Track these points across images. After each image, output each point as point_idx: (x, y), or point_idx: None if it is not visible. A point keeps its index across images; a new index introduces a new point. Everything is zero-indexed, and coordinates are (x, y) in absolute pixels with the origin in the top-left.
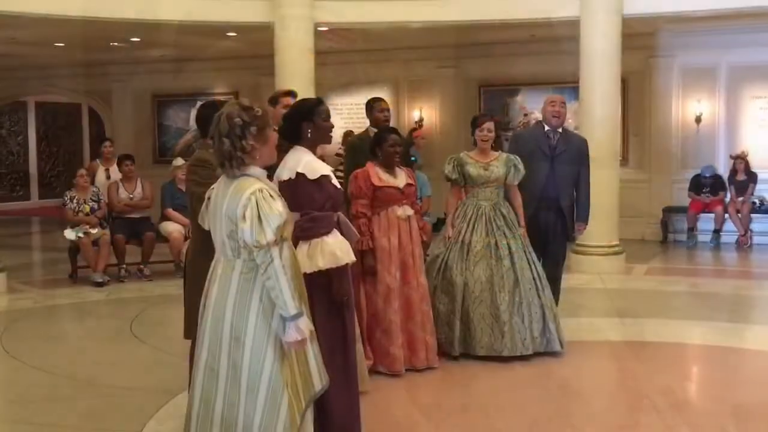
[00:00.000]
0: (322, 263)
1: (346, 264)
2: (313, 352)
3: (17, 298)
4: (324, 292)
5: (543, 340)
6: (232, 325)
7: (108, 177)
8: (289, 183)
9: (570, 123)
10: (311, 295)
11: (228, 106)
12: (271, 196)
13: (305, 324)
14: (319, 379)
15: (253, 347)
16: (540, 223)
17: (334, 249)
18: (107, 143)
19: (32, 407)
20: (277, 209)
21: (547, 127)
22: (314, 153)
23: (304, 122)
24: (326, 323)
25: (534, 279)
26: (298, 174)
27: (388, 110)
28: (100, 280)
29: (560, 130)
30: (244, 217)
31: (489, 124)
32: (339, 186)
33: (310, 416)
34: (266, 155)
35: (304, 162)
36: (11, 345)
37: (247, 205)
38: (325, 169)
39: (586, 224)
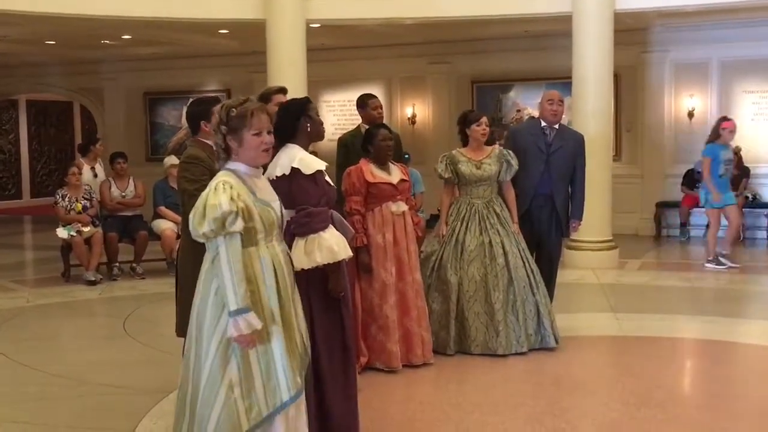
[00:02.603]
0: (320, 258)
1: (342, 260)
2: (282, 358)
3: (10, 297)
4: (321, 288)
5: (537, 338)
6: (197, 317)
7: (95, 175)
8: (282, 179)
9: (563, 118)
10: (308, 293)
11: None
12: (224, 188)
13: (245, 323)
14: (287, 387)
15: (207, 338)
16: (534, 220)
17: (332, 244)
18: (100, 142)
19: (25, 407)
20: (218, 201)
21: (543, 123)
22: (306, 150)
23: (303, 117)
24: (324, 320)
25: (528, 277)
26: (293, 169)
27: (382, 107)
28: (93, 279)
29: (556, 126)
30: (195, 207)
31: (485, 119)
32: (332, 183)
33: (302, 419)
34: (244, 155)
35: (298, 158)
36: (4, 344)
37: (201, 197)
38: (320, 165)
39: (581, 221)
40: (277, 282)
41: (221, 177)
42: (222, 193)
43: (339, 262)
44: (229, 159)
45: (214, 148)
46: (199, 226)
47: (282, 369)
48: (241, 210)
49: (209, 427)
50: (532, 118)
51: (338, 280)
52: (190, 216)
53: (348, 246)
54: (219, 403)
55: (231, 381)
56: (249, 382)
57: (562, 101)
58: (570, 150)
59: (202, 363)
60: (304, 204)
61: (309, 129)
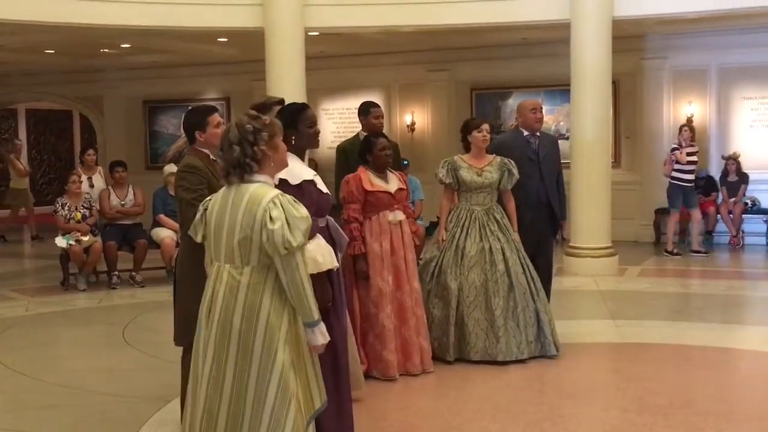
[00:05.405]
0: None
1: (330, 270)
2: (314, 368)
3: (9, 306)
4: None
5: (538, 345)
6: (240, 335)
7: (91, 185)
8: None
9: (562, 125)
10: None
11: (238, 117)
12: (294, 201)
13: (323, 331)
14: (318, 397)
15: (261, 356)
16: (535, 228)
17: (315, 255)
18: (90, 151)
19: (24, 415)
20: (304, 213)
21: (526, 133)
22: (301, 158)
23: (287, 129)
24: None
25: (528, 284)
26: (280, 180)
27: (383, 117)
28: (83, 288)
29: (537, 134)
30: (271, 219)
31: (486, 126)
32: (325, 191)
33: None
34: (278, 163)
35: (286, 168)
36: (3, 353)
37: (273, 209)
38: (308, 174)
39: (566, 220)
40: None
41: (274, 190)
42: (299, 205)
43: (323, 272)
44: (252, 172)
45: (245, 160)
46: (294, 239)
47: (314, 376)
48: None
49: None
50: (515, 128)
51: (324, 291)
52: (275, 228)
53: (334, 256)
54: (291, 416)
55: (293, 393)
56: (298, 392)
57: (542, 108)
58: (554, 154)
59: (258, 382)
60: None
61: (294, 142)
